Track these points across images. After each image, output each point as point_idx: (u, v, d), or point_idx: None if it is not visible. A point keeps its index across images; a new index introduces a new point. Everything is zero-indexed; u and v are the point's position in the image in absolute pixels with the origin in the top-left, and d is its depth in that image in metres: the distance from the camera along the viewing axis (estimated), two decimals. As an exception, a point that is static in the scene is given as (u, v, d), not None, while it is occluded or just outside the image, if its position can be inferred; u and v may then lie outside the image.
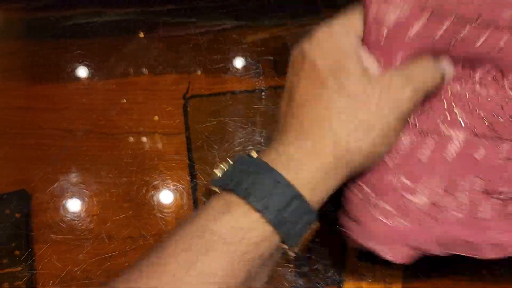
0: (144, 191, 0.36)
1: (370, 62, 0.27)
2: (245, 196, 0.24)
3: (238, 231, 0.24)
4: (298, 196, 0.24)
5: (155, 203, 0.36)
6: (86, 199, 0.36)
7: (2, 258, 0.34)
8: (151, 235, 0.35)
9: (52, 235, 0.35)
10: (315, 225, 0.26)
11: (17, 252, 0.34)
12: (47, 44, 0.40)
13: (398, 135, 0.28)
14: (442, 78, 0.28)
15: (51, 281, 0.34)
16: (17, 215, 0.35)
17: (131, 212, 0.35)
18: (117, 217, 0.35)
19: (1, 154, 0.37)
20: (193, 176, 0.36)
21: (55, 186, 0.36)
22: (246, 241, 0.23)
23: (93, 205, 0.35)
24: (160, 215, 0.35)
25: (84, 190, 0.36)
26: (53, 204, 0.35)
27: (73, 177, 0.36)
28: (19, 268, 0.34)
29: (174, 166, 0.36)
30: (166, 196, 0.36)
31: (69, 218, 0.35)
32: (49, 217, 0.35)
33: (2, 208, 0.35)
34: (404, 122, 0.27)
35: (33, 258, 0.34)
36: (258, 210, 0.24)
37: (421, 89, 0.27)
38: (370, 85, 0.26)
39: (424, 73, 0.27)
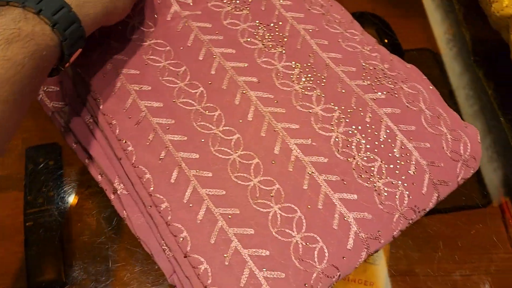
0: None
1: None
2: (22, 2, 0.28)
3: (14, 24, 0.27)
4: (66, 4, 0.30)
5: None
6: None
7: (38, 198, 0.41)
8: None
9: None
10: (82, 43, 0.32)
11: (51, 194, 0.42)
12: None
13: None
14: None
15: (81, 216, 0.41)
16: (50, 162, 0.42)
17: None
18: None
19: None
20: None
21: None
22: (22, 33, 0.27)
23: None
24: None
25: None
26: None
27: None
28: (53, 206, 0.41)
29: None
30: None
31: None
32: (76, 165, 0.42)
33: (37, 156, 0.43)
34: None
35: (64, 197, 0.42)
36: (34, 12, 0.28)
37: None
38: None
39: None
